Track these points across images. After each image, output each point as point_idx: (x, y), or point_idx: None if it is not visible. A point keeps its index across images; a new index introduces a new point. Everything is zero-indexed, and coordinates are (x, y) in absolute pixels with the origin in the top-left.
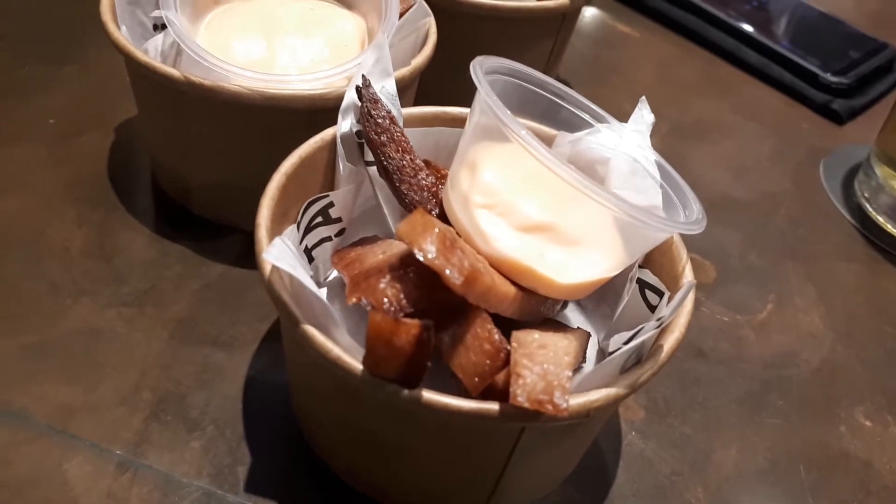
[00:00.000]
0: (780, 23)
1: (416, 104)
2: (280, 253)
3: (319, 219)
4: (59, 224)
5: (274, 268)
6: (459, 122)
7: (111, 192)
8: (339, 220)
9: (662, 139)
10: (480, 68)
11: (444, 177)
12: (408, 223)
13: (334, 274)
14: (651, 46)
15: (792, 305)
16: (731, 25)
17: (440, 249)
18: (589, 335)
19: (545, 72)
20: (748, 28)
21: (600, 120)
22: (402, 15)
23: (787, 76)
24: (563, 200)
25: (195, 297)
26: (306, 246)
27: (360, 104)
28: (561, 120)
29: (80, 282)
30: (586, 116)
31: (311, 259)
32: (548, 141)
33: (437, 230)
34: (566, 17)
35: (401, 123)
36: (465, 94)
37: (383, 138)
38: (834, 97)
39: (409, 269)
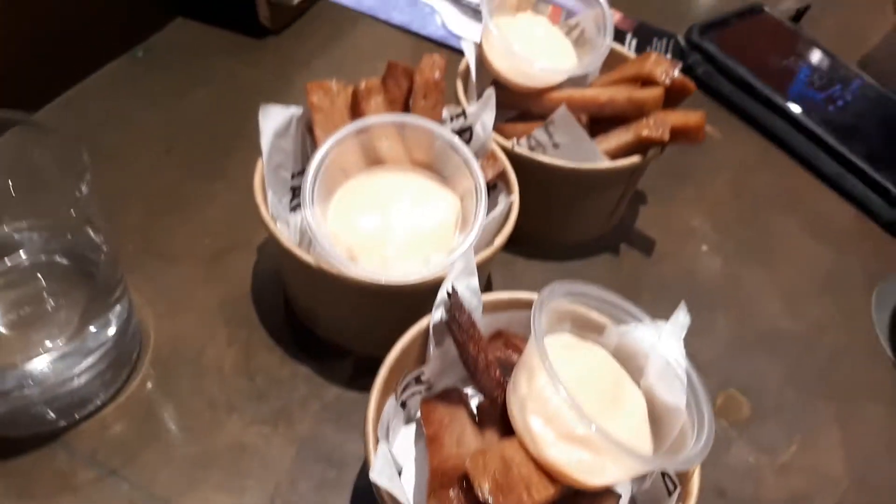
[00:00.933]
0: (861, 127)
1: None
2: (382, 467)
3: (414, 385)
4: (215, 343)
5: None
6: (531, 304)
7: (254, 313)
8: (427, 381)
9: (726, 261)
10: (541, 311)
11: (514, 346)
12: (473, 460)
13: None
14: (732, 150)
15: (815, 447)
16: (810, 130)
17: (493, 489)
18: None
19: (616, 208)
20: (826, 134)
21: (643, 320)
22: (490, 180)
23: (860, 187)
24: (601, 411)
25: (316, 417)
26: (402, 401)
27: (448, 303)
28: (611, 313)
29: (231, 399)
30: (633, 313)
31: (403, 406)
32: (598, 330)
33: (494, 472)
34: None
35: (480, 312)
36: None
37: (464, 338)
38: None
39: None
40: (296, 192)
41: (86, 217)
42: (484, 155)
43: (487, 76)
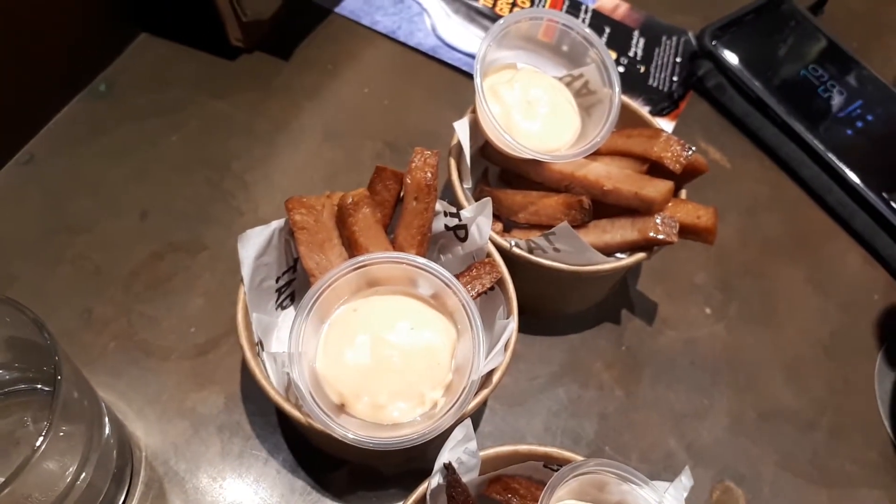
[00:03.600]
0: (882, 154)
1: None
2: None
3: None
4: (210, 456)
5: None
6: (530, 456)
7: (245, 419)
8: None
9: (729, 326)
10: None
11: (513, 490)
12: None
13: None
14: (741, 182)
15: None
16: (825, 159)
17: None
18: None
19: (618, 283)
20: (841, 164)
21: (646, 482)
22: (485, 289)
23: (870, 227)
24: None
25: None
26: None
27: (445, 475)
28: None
29: None
30: (637, 477)
31: None
32: (599, 487)
33: None
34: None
35: (477, 472)
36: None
37: None
38: None
39: None
40: (281, 291)
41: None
42: (480, 258)
43: (481, 138)
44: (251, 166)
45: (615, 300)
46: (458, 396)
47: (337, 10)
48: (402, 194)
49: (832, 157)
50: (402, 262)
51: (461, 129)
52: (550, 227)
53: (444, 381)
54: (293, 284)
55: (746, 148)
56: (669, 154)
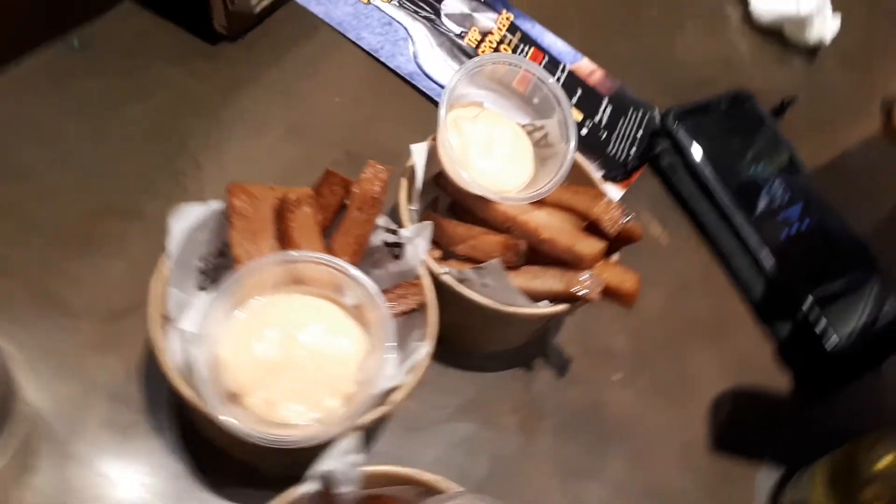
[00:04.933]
0: (810, 262)
1: None
2: None
3: None
4: (94, 423)
5: None
6: (412, 481)
7: (142, 394)
8: None
9: (637, 395)
10: None
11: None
12: None
13: None
14: (675, 260)
15: None
16: (754, 254)
17: None
18: None
19: (538, 331)
20: (770, 262)
21: None
22: (407, 311)
23: (786, 327)
24: None
25: None
26: None
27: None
28: None
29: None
30: None
31: None
32: None
33: None
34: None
35: (357, 486)
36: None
37: None
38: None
39: None
40: (206, 273)
41: None
42: (409, 279)
43: (437, 166)
44: (208, 149)
45: (533, 347)
46: (354, 408)
47: (326, 18)
48: (346, 202)
49: (764, 254)
50: (332, 267)
51: (418, 152)
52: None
53: (346, 391)
54: (220, 270)
55: (686, 229)
56: (607, 217)
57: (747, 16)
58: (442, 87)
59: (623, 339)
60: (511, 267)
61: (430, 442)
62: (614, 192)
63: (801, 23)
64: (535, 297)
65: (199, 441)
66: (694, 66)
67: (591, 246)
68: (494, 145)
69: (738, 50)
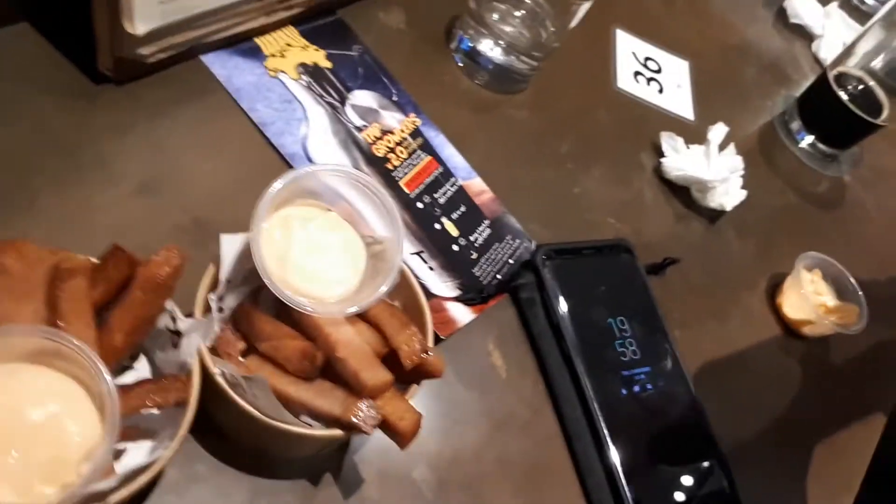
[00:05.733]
0: (642, 426)
1: None
2: None
3: None
4: None
5: None
6: None
7: None
8: None
9: None
10: None
11: None
12: None
13: None
14: (506, 397)
15: None
16: (588, 406)
17: None
18: None
19: (326, 447)
20: (601, 417)
21: None
22: (166, 404)
23: (601, 489)
24: None
25: None
26: None
27: None
28: None
29: None
30: None
31: None
32: None
33: None
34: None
35: None
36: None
37: None
38: None
39: None
40: None
41: None
42: (186, 371)
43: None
44: (51, 190)
45: (324, 462)
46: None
47: (225, 83)
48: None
49: (596, 407)
50: (80, 353)
51: (228, 242)
52: (283, 367)
53: (64, 479)
54: None
55: (528, 367)
56: (406, 348)
57: (659, 168)
58: None
59: (425, 470)
60: (305, 377)
61: None
62: (466, 315)
63: (704, 186)
64: (314, 415)
65: None
66: (589, 207)
67: (376, 375)
68: (321, 249)
69: (641, 198)
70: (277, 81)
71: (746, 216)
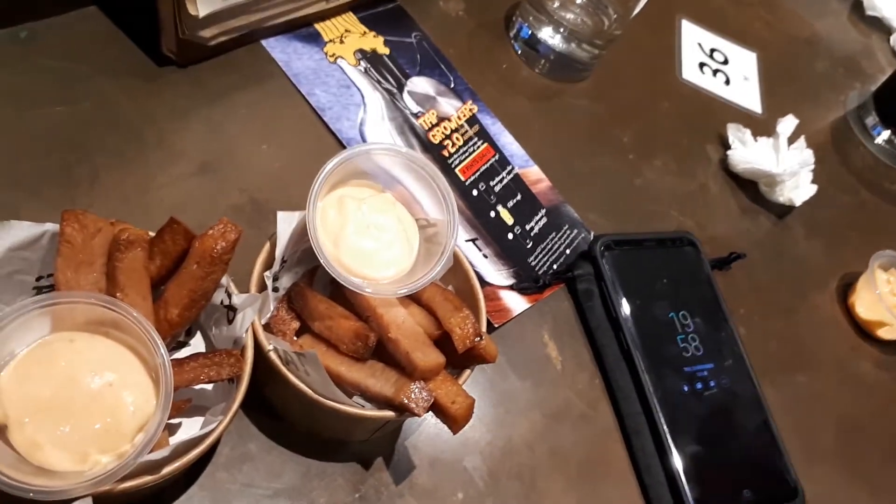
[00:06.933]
0: (703, 424)
1: None
2: None
3: None
4: None
5: None
6: None
7: None
8: None
9: None
10: None
11: None
12: None
13: None
14: (562, 388)
15: None
16: (648, 402)
17: None
18: None
19: (378, 432)
20: (661, 413)
21: None
22: (217, 378)
23: (658, 485)
24: None
25: None
26: None
27: None
28: None
29: None
30: None
31: None
32: None
33: None
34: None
35: None
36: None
37: None
38: None
39: None
40: (42, 291)
41: None
42: (239, 347)
43: (304, 238)
44: (113, 167)
45: (375, 446)
46: (108, 471)
47: (285, 68)
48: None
49: (656, 403)
50: (137, 324)
51: (284, 220)
52: (336, 347)
53: (118, 449)
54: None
55: (584, 359)
56: (459, 331)
57: (725, 160)
58: None
59: (477, 460)
60: (357, 357)
61: None
62: (521, 304)
63: (773, 180)
64: (367, 396)
65: None
66: (650, 199)
67: (428, 357)
68: (375, 229)
69: (705, 191)
70: (336, 67)
71: (816, 212)
